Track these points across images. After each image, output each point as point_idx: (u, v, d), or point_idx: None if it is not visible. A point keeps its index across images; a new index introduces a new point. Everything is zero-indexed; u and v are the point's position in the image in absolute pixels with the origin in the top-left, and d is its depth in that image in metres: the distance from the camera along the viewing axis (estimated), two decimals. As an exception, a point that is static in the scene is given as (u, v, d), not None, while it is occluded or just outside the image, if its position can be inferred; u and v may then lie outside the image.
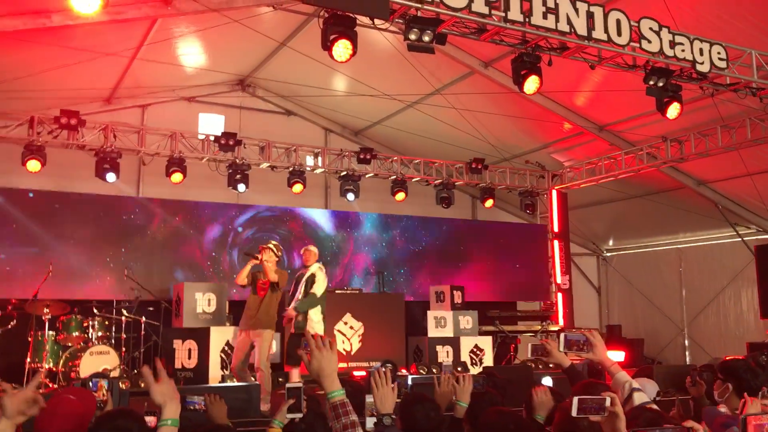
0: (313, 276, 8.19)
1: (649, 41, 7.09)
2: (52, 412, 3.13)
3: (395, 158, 12.21)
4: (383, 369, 3.28)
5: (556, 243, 13.54)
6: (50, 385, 8.25)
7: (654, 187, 12.37)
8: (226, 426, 3.94)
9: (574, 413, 2.69)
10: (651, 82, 7.56)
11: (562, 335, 3.31)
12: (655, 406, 3.20)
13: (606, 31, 6.86)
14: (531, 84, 7.24)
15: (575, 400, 2.69)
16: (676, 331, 13.37)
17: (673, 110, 7.79)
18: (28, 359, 8.44)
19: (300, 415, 3.21)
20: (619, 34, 6.94)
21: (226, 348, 9.00)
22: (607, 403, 2.69)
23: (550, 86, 8.74)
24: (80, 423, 3.20)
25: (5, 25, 7.75)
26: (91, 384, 3.69)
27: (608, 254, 15.48)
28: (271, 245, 7.73)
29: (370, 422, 3.15)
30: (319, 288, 8.15)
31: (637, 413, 3.03)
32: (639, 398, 3.26)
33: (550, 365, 5.57)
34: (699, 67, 7.34)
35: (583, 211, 14.00)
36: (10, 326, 8.54)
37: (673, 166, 11.31)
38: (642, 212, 13.35)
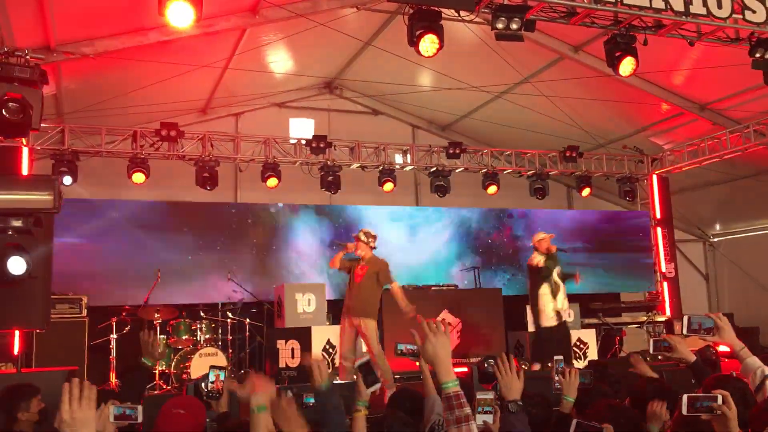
0: None
1: (754, 11, 6.67)
2: (166, 430, 3.22)
3: (485, 151, 12.05)
4: (507, 356, 3.21)
5: (659, 230, 12.99)
6: (164, 386, 8.63)
7: (763, 167, 11.65)
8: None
9: (684, 411, 2.56)
10: (757, 55, 7.13)
11: (686, 317, 3.14)
12: None
13: (705, 4, 6.51)
14: (627, 66, 6.97)
15: (685, 398, 2.57)
16: (794, 318, 12.58)
17: (783, 82, 7.31)
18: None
19: (378, 385, 3.18)
20: (720, 6, 6.57)
21: (327, 346, 9.16)
22: (719, 401, 2.55)
23: (646, 66, 8.37)
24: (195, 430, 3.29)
25: (107, 45, 8.18)
26: (213, 372, 3.84)
27: (715, 239, 14.73)
28: (360, 234, 7.72)
29: (480, 418, 3.08)
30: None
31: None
32: None
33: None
34: (810, 35, 6.87)
35: (686, 195, 13.37)
36: (125, 331, 9.01)
37: (783, 143, 10.62)
38: (751, 193, 12.61)
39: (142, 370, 4.48)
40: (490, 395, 3.09)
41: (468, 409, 2.36)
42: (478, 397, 3.10)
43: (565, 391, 3.66)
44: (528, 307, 9.12)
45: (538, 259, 8.46)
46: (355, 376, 3.24)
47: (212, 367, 3.99)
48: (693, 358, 3.91)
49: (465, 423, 2.32)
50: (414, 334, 2.51)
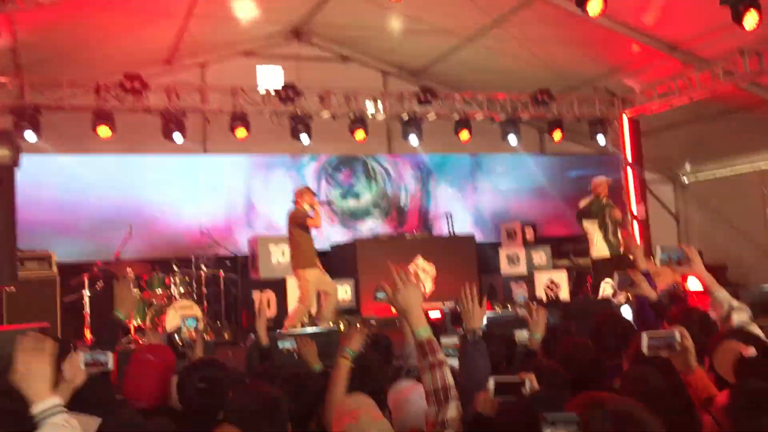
0: None
1: (722, -53, 6.61)
2: (135, 374, 3.24)
3: (457, 96, 11.95)
4: (470, 287, 3.22)
5: (629, 171, 13.09)
6: (139, 341, 8.63)
7: (733, 106, 11.70)
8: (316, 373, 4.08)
9: (644, 351, 2.60)
10: (725, -9, 7.08)
11: (658, 248, 3.18)
12: (756, 329, 3.04)
13: (674, -61, 6.42)
14: (595, 5, 6.90)
15: (644, 336, 2.60)
16: (761, 254, 12.84)
17: (751, 19, 7.32)
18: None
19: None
20: (689, -58, 6.49)
21: (303, 296, 9.19)
22: (677, 338, 2.59)
23: (616, 6, 8.32)
24: (164, 378, 3.30)
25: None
26: (186, 324, 3.83)
27: (685, 180, 14.89)
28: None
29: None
30: None
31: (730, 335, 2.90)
32: (738, 318, 3.13)
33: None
34: (779, -30, 6.82)
35: (656, 136, 13.42)
36: (97, 287, 8.96)
37: (753, 81, 10.64)
38: (720, 134, 12.69)
39: (116, 323, 4.45)
40: (453, 339, 3.12)
41: (441, 355, 2.45)
42: (441, 341, 3.12)
43: (532, 328, 3.71)
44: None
45: (585, 202, 9.39)
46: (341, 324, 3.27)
47: (183, 316, 3.98)
48: (655, 295, 3.98)
49: (438, 368, 2.41)
50: (384, 286, 2.54)
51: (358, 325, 4.25)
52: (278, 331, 7.46)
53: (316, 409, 3.09)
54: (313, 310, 8.69)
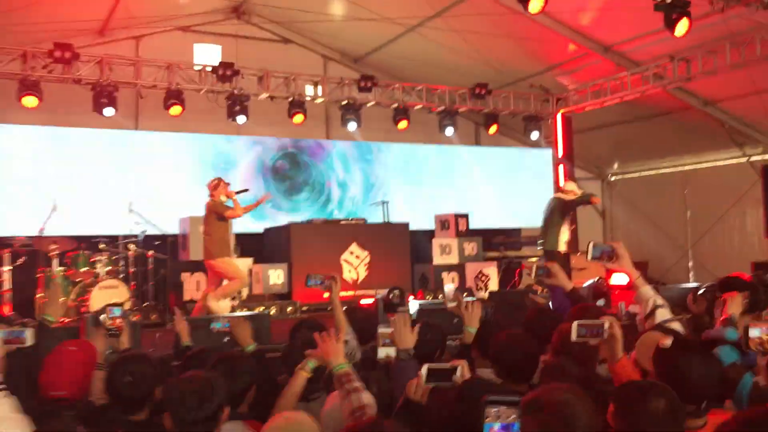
0: None
1: (658, -46, 6.83)
2: (56, 364, 3.20)
3: (397, 86, 11.98)
4: (403, 313, 3.32)
5: (560, 168, 13.44)
6: (63, 319, 8.35)
7: (660, 109, 12.17)
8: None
9: (573, 338, 2.70)
10: (659, -2, 7.33)
11: (591, 244, 3.29)
12: (676, 325, 3.18)
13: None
14: (536, 3, 7.02)
15: (574, 325, 2.70)
16: (681, 254, 13.42)
17: (682, 27, 7.59)
18: (39, 295, 8.55)
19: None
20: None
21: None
22: (606, 326, 2.70)
23: (555, 5, 8.49)
24: (85, 371, 3.27)
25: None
26: (110, 312, 3.75)
27: (613, 178, 15.40)
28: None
29: (381, 352, 3.19)
30: None
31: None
32: (661, 315, 3.25)
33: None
34: (710, -19, 7.10)
35: (587, 134, 13.83)
36: (19, 263, 8.62)
37: (680, 86, 11.08)
38: (647, 135, 13.19)
39: (44, 327, 4.26)
40: (390, 329, 3.17)
41: (357, 383, 2.81)
42: (379, 331, 3.18)
43: (467, 321, 3.78)
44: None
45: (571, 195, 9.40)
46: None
47: (108, 305, 3.90)
48: (570, 285, 4.10)
49: (355, 393, 2.76)
50: (311, 352, 3.08)
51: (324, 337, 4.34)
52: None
53: (248, 390, 3.08)
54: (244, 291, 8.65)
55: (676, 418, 2.18)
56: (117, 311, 3.78)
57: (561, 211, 9.34)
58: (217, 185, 7.95)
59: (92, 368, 3.32)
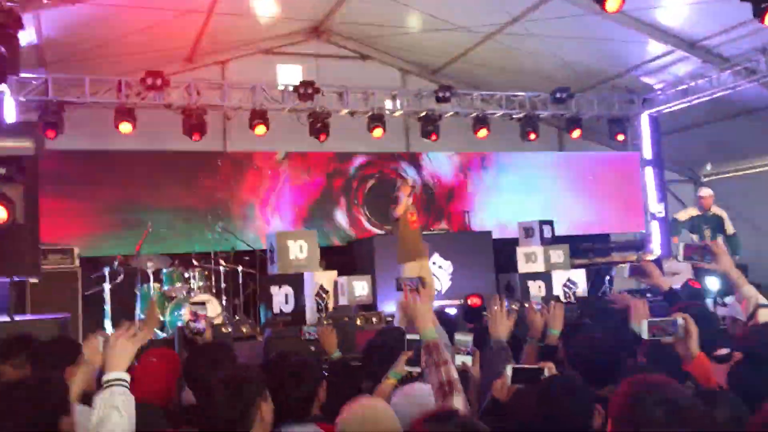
0: None
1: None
2: (138, 378, 3.35)
3: (475, 94, 11.95)
4: (500, 298, 3.31)
5: (648, 170, 13.01)
6: (161, 334, 8.74)
7: (753, 105, 11.59)
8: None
9: (644, 336, 2.61)
10: (746, -13, 7.02)
11: (681, 244, 3.18)
12: None
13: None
14: (613, 2, 6.87)
15: (644, 323, 2.61)
16: (783, 256, 12.70)
17: (773, 16, 7.22)
18: (137, 311, 9.00)
19: (418, 369, 3.19)
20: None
21: (320, 291, 9.25)
22: (680, 323, 2.59)
23: (634, 3, 8.29)
24: (168, 380, 3.41)
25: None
26: (198, 314, 3.97)
27: (706, 179, 14.75)
28: (410, 182, 8.73)
29: (458, 360, 3.18)
30: None
31: (756, 331, 2.89)
32: (764, 315, 3.09)
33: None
34: (801, -34, 6.76)
35: (677, 135, 13.34)
36: (118, 281, 9.09)
37: (775, 80, 10.54)
38: (741, 133, 12.57)
39: None
40: (468, 337, 3.17)
41: (445, 354, 2.67)
42: (456, 338, 3.18)
43: (550, 324, 3.74)
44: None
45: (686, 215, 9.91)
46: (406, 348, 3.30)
47: (192, 303, 4.10)
48: (666, 285, 3.98)
49: (443, 365, 2.61)
50: (401, 302, 2.86)
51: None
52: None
53: (315, 394, 3.10)
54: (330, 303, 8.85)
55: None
56: (195, 309, 3.96)
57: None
58: (398, 188, 8.48)
59: (175, 375, 3.45)
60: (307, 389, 3.03)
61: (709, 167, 14.66)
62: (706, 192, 9.98)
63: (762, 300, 3.19)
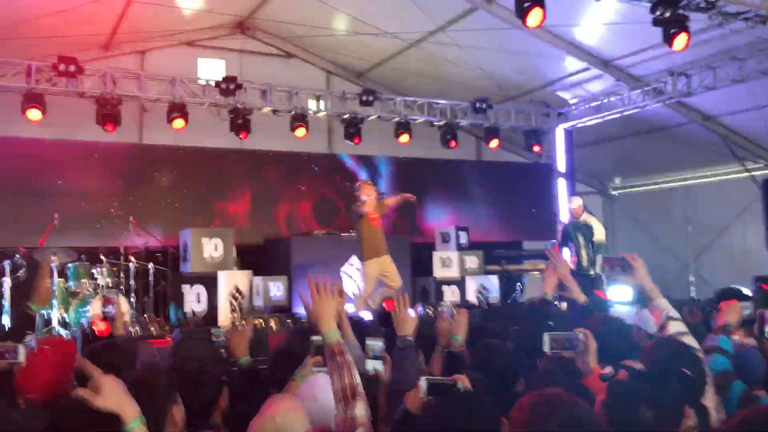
0: None
1: (655, -31, 6.88)
2: (29, 367, 3.15)
3: (398, 99, 12.05)
4: (403, 295, 3.31)
5: (561, 182, 13.47)
6: (65, 332, 8.37)
7: (661, 123, 12.20)
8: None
9: (545, 349, 2.70)
10: (658, 13, 7.38)
11: (600, 257, 3.27)
12: (689, 339, 3.14)
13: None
14: (534, 17, 7.07)
15: (546, 336, 2.71)
16: (682, 268, 13.41)
17: (680, 41, 7.62)
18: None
19: (324, 370, 3.18)
20: (624, -37, 6.74)
21: (234, 292, 9.10)
22: (580, 337, 2.70)
23: (555, 20, 8.55)
24: (61, 371, 3.21)
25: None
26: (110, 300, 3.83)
27: (614, 193, 15.41)
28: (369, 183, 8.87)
29: (369, 365, 3.17)
30: None
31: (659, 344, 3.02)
32: (674, 327, 3.22)
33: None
34: (707, -4, 7.15)
35: (589, 149, 13.86)
36: (19, 274, 8.65)
37: (680, 101, 11.12)
38: (649, 150, 13.21)
39: (28, 315, 4.32)
40: (379, 342, 3.16)
41: (348, 357, 2.55)
42: (367, 343, 3.16)
43: (454, 331, 3.80)
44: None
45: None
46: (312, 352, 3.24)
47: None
48: (584, 298, 4.12)
49: (345, 368, 2.50)
50: (302, 294, 2.71)
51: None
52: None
53: (214, 401, 3.03)
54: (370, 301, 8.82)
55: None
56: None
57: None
58: (360, 186, 8.65)
59: (70, 366, 3.28)
60: (205, 396, 2.94)
61: (617, 181, 15.31)
62: (575, 202, 10.53)
63: (672, 313, 3.34)
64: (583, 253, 10.08)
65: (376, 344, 3.22)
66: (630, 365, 2.72)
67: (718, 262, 12.83)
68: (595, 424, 1.95)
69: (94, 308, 8.33)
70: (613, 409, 2.21)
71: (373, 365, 3.17)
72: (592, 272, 9.54)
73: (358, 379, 2.52)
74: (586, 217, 10.49)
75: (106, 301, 4.14)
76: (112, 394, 2.25)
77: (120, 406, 2.23)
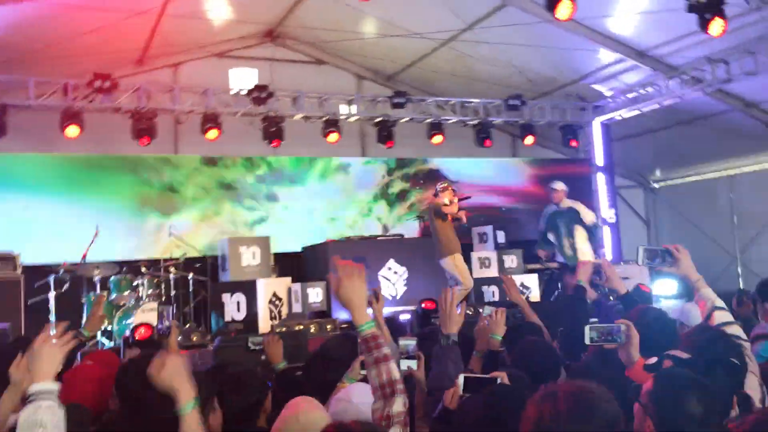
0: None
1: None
2: (69, 381, 3.18)
3: (430, 100, 11.99)
4: (450, 293, 3.28)
5: (600, 176, 13.23)
6: (109, 343, 8.50)
7: (701, 113, 11.89)
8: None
9: (586, 341, 2.64)
10: (691, -1, 7.20)
11: (641, 249, 3.19)
12: (734, 328, 3.07)
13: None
14: (564, 9, 6.98)
15: (587, 328, 2.64)
16: (729, 260, 13.04)
17: (717, 27, 7.42)
18: (84, 320, 8.73)
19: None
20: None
21: (274, 299, 9.13)
22: (622, 330, 2.63)
23: (585, 12, 8.41)
24: (101, 386, 3.24)
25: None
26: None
27: (656, 185, 15.08)
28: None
29: (403, 364, 3.14)
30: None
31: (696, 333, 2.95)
32: (720, 317, 3.16)
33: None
34: (743, -22, 6.94)
35: (627, 142, 13.60)
36: (63, 290, 8.80)
37: (720, 89, 10.81)
38: (689, 140, 12.88)
39: (78, 341, 4.38)
40: (412, 341, 3.14)
41: (386, 349, 2.40)
42: (400, 342, 3.14)
43: (492, 330, 3.74)
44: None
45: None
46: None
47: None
48: (624, 289, 4.05)
49: (384, 362, 2.37)
50: (329, 278, 2.60)
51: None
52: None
53: (260, 404, 3.05)
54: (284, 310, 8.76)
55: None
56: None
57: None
58: (445, 188, 9.03)
59: (110, 382, 3.30)
60: (250, 399, 2.98)
61: (658, 173, 15.00)
62: (558, 186, 10.26)
63: (718, 303, 3.26)
64: (566, 242, 10.05)
65: (409, 343, 3.20)
66: (675, 354, 2.64)
67: (766, 253, 12.45)
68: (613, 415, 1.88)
69: (138, 318, 8.46)
70: (661, 400, 2.13)
71: (407, 364, 3.16)
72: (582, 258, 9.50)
73: (397, 374, 2.39)
74: (569, 202, 10.26)
75: (160, 317, 4.21)
76: (174, 373, 2.32)
77: (179, 385, 2.31)
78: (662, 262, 3.22)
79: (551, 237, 10.30)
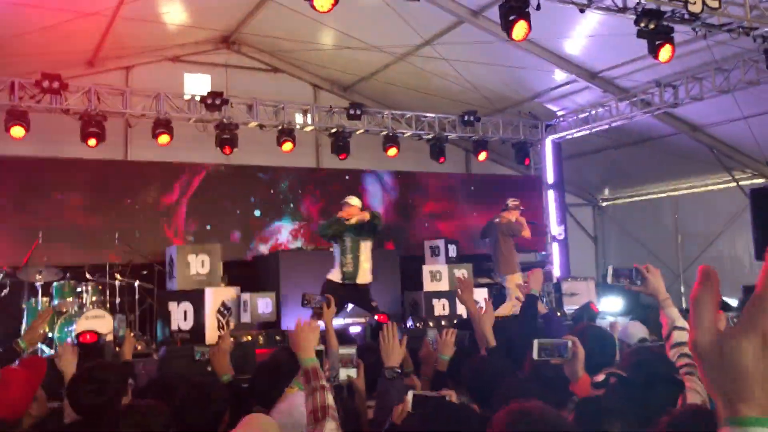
0: None
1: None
2: None
3: (386, 113, 12.02)
4: (390, 326, 3.32)
5: (550, 194, 13.46)
6: (49, 350, 8.24)
7: (649, 135, 12.24)
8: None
9: (534, 356, 2.69)
10: (642, 24, 7.39)
11: (610, 268, 3.22)
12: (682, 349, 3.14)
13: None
14: (519, 30, 7.07)
15: (535, 343, 2.70)
16: (673, 278, 13.39)
17: (665, 53, 7.64)
18: (23, 326, 8.44)
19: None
20: (608, -25, 6.76)
21: (222, 308, 8.98)
22: (569, 345, 2.69)
23: (542, 33, 8.56)
24: (26, 389, 3.15)
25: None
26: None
27: (604, 204, 15.42)
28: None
29: (342, 373, 3.24)
30: None
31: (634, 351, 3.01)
32: (678, 336, 3.21)
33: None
34: (691, 8, 7.14)
35: (577, 160, 13.88)
36: (2, 294, 8.52)
37: (668, 112, 11.15)
38: (637, 161, 13.24)
39: (14, 352, 4.23)
40: (352, 350, 3.20)
41: (323, 381, 2.73)
42: (340, 351, 3.20)
43: (440, 350, 3.75)
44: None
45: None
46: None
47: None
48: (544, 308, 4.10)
49: (320, 391, 2.67)
50: (287, 332, 2.94)
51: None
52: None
53: (221, 418, 3.03)
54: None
55: None
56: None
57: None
58: (516, 206, 9.80)
59: (36, 384, 3.21)
60: (214, 412, 2.96)
61: (606, 192, 15.34)
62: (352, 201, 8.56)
63: (678, 323, 3.31)
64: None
65: (349, 352, 3.27)
66: (619, 372, 2.70)
67: (708, 272, 12.81)
68: None
69: (81, 326, 8.22)
70: (583, 426, 2.21)
71: (346, 372, 3.22)
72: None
73: (330, 401, 2.65)
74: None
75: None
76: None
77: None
78: (631, 282, 3.27)
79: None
